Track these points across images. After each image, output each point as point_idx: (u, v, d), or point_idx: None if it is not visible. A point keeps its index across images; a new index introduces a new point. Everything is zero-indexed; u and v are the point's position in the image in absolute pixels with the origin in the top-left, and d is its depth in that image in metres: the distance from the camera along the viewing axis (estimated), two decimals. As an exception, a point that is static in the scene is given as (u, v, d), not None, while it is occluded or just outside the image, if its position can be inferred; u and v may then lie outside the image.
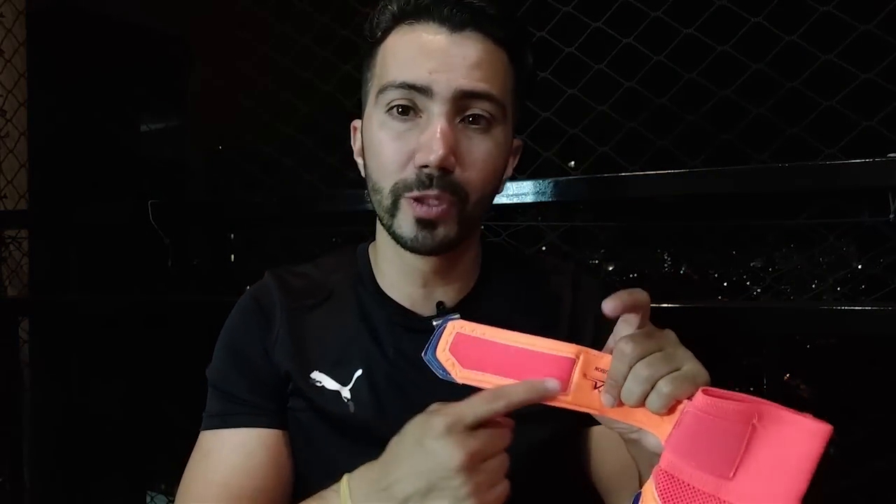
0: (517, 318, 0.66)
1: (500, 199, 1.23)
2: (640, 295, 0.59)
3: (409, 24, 0.73)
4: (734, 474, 0.51)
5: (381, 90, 0.73)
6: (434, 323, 0.79)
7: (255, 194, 1.53)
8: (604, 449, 0.81)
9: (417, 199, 0.71)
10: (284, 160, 1.57)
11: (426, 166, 0.69)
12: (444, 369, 0.61)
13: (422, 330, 0.79)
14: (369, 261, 0.86)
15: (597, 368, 0.58)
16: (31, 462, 1.84)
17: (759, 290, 1.33)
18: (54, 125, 1.92)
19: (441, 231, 0.72)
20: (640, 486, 0.64)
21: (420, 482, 0.57)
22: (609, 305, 0.58)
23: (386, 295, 0.83)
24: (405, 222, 0.73)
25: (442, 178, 0.70)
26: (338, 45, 1.45)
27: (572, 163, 1.35)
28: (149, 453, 1.69)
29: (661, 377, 0.54)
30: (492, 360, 0.59)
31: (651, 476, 0.54)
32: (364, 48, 0.79)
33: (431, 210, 0.71)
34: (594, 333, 0.82)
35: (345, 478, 0.64)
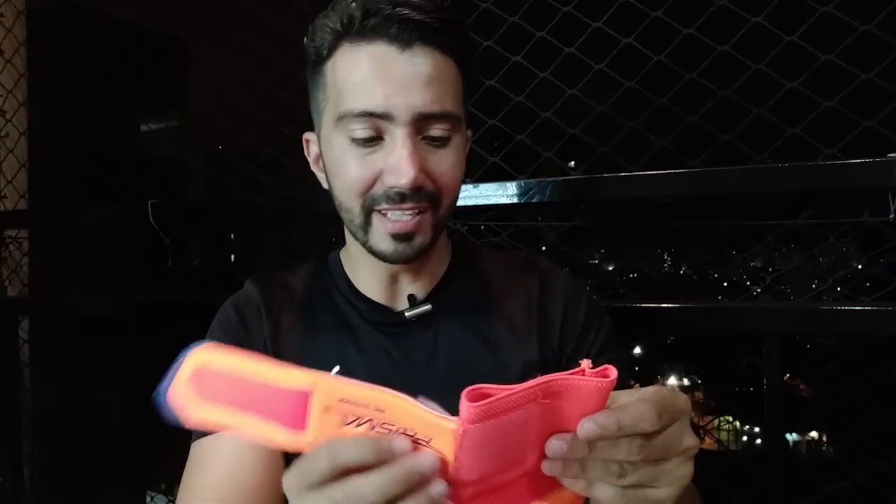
0: (488, 304, 0.69)
1: (500, 200, 1.23)
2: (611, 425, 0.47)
3: (353, 43, 0.72)
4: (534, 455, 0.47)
5: (340, 118, 0.73)
6: (407, 315, 0.82)
7: (255, 194, 1.53)
8: None
9: (388, 213, 0.73)
10: (284, 160, 1.57)
11: (395, 186, 0.72)
12: (173, 412, 0.49)
13: (396, 324, 0.83)
14: (341, 265, 0.89)
15: (341, 400, 0.46)
16: (31, 462, 1.84)
17: (759, 290, 1.32)
18: (54, 125, 1.92)
19: (418, 241, 0.75)
20: None
21: None
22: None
23: (360, 294, 0.85)
24: (380, 238, 0.75)
25: (414, 194, 0.72)
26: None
27: (572, 163, 1.35)
28: (149, 453, 1.69)
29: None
30: (232, 396, 0.48)
31: None
32: (309, 65, 0.79)
33: (407, 223, 0.74)
34: (562, 320, 0.85)
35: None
